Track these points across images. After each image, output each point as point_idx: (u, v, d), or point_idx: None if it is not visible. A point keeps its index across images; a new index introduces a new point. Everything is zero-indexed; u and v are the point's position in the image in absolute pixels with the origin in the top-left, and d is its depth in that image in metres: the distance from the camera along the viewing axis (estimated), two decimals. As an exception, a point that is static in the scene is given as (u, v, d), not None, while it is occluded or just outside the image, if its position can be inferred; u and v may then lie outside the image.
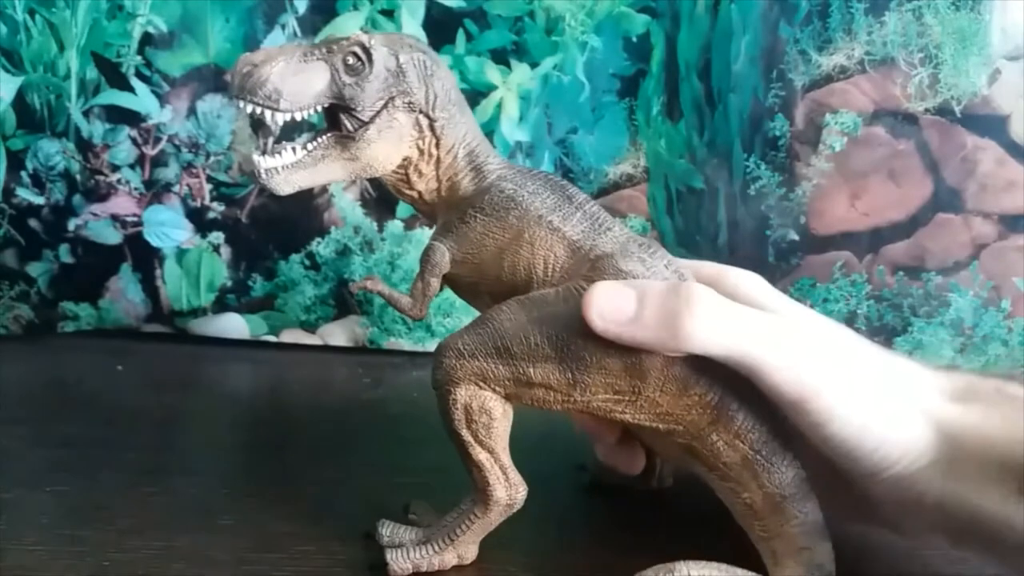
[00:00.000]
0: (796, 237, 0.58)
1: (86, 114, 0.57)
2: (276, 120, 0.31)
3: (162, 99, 0.57)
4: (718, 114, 0.57)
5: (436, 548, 0.32)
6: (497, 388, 0.31)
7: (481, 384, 0.31)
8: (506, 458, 0.32)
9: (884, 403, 0.30)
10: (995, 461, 0.28)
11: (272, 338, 0.61)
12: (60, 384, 0.53)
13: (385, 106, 0.32)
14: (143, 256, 0.60)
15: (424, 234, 0.59)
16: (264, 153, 0.31)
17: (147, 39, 0.56)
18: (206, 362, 0.58)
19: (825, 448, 0.30)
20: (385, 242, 0.59)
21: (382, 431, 0.47)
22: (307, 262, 0.60)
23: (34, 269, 0.59)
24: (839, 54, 0.55)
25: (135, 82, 0.56)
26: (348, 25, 0.56)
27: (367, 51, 0.31)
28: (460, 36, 0.56)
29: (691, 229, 0.58)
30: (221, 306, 0.61)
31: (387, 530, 0.33)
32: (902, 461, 0.29)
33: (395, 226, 0.59)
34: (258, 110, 0.30)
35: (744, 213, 0.58)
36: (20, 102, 0.56)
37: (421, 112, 0.32)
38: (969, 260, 0.58)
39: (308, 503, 0.37)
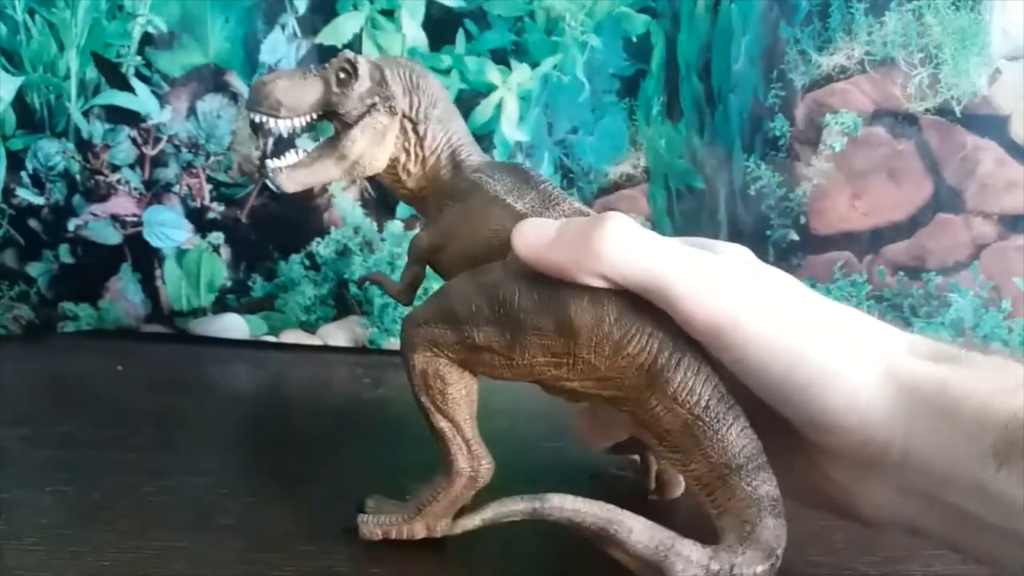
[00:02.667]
0: (796, 237, 0.58)
1: (86, 114, 0.57)
2: (279, 127, 0.35)
3: (162, 99, 0.57)
4: (718, 114, 0.57)
5: (405, 517, 0.34)
6: (449, 354, 0.32)
7: (435, 350, 0.32)
8: (469, 430, 0.33)
9: (820, 338, 0.28)
10: (968, 416, 0.25)
11: (272, 338, 0.61)
12: (60, 384, 0.53)
13: (369, 111, 0.36)
14: (143, 256, 0.60)
15: (424, 234, 0.59)
16: (272, 156, 0.36)
17: (147, 39, 0.56)
18: (206, 362, 0.58)
19: (758, 390, 0.28)
20: (385, 242, 0.59)
21: (382, 431, 0.47)
22: (307, 262, 0.60)
23: (34, 269, 0.59)
24: (839, 54, 0.55)
25: (135, 82, 0.56)
26: (348, 25, 0.56)
27: (353, 65, 0.35)
28: (460, 36, 0.56)
29: (691, 229, 0.58)
30: (221, 306, 0.61)
31: (373, 501, 0.35)
32: (852, 408, 0.27)
33: (395, 226, 0.59)
34: (264, 118, 0.35)
35: (744, 213, 0.58)
36: (20, 102, 0.56)
37: (404, 116, 0.36)
38: (969, 260, 0.58)
39: (308, 503, 0.37)
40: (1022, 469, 0.24)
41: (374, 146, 0.36)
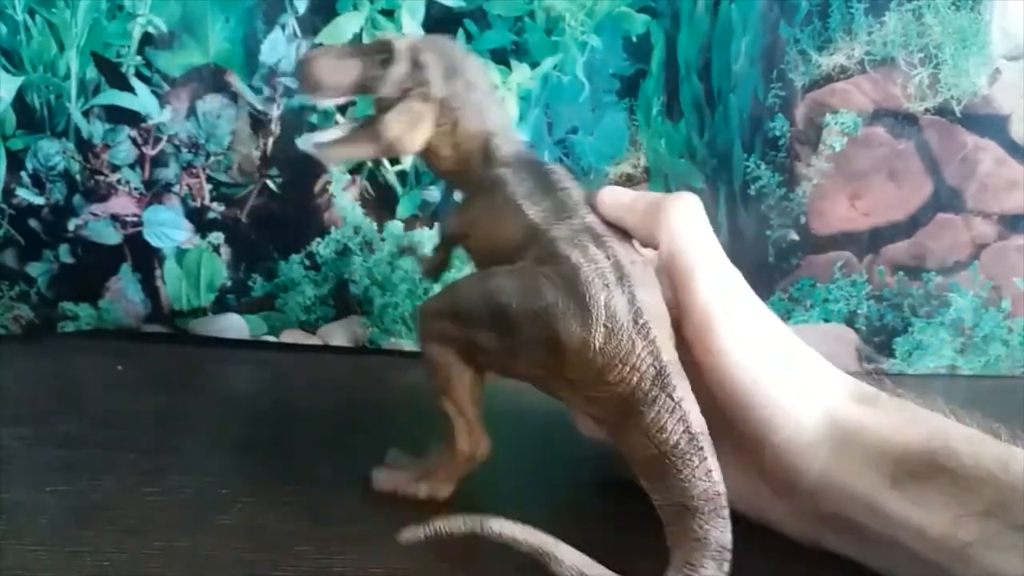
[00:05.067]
0: (796, 237, 0.58)
1: (86, 114, 0.57)
2: (321, 106, 0.38)
3: (162, 99, 0.57)
4: (718, 114, 0.57)
5: (412, 477, 0.37)
6: (454, 348, 0.34)
7: (442, 343, 0.34)
8: (472, 414, 0.35)
9: (784, 370, 0.32)
10: (875, 451, 0.31)
11: (272, 338, 0.61)
12: (60, 384, 0.53)
13: (404, 95, 0.36)
14: (143, 256, 0.60)
15: (423, 234, 0.59)
16: (313, 131, 0.39)
17: (147, 39, 0.56)
18: (206, 362, 0.58)
19: (722, 391, 0.32)
20: (385, 242, 0.59)
21: (382, 431, 0.47)
22: (307, 262, 0.60)
23: (34, 269, 0.59)
24: (839, 54, 0.55)
25: (135, 82, 0.56)
26: (348, 25, 0.56)
27: (391, 49, 0.36)
28: (460, 36, 0.56)
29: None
30: (221, 306, 0.61)
31: (393, 455, 0.39)
32: (790, 429, 0.32)
33: (395, 226, 0.59)
34: (307, 98, 0.38)
35: (744, 213, 0.58)
36: (20, 102, 0.56)
37: (441, 103, 0.37)
38: (969, 260, 0.58)
39: (308, 503, 0.37)
40: (911, 491, 0.29)
41: (409, 130, 0.36)
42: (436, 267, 0.40)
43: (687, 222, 0.34)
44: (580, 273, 0.32)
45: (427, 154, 0.38)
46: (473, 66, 0.37)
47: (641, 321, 0.31)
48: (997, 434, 0.31)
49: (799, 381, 0.33)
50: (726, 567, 0.29)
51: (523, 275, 0.32)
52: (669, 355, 0.31)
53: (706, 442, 0.30)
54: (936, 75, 0.55)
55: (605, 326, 0.31)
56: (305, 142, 0.38)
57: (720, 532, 0.29)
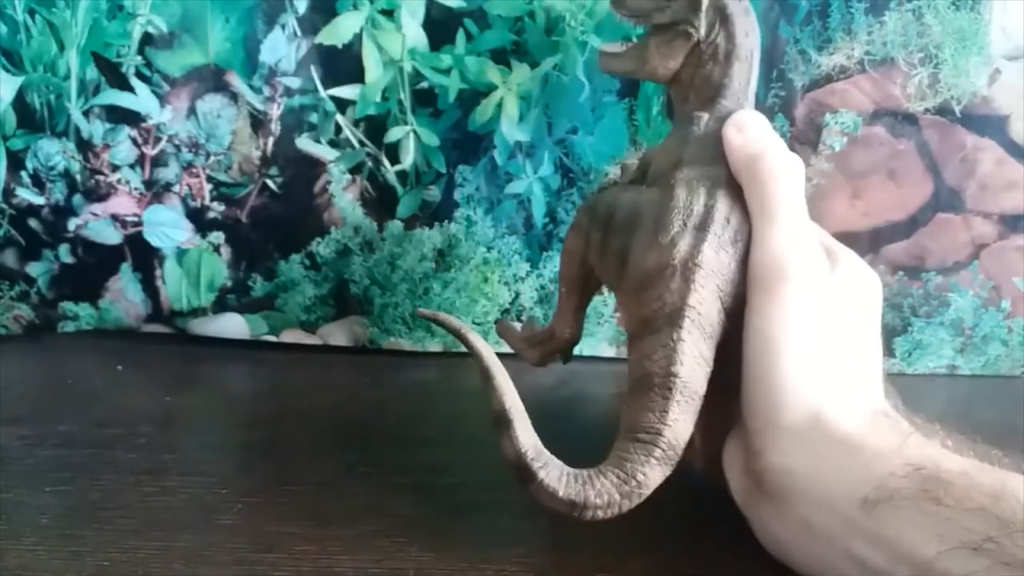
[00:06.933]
0: (796, 237, 0.58)
1: (86, 114, 0.57)
2: (624, 19, 0.42)
3: (162, 99, 0.57)
4: (718, 114, 0.57)
5: (518, 338, 0.43)
6: (580, 238, 0.38)
7: (576, 232, 0.39)
8: (571, 302, 0.40)
9: (807, 359, 0.31)
10: (856, 465, 0.29)
11: (272, 338, 0.61)
12: (60, 384, 0.53)
13: (672, 26, 0.39)
14: (143, 256, 0.60)
15: (424, 235, 0.59)
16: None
17: (147, 39, 0.56)
18: (206, 362, 0.58)
19: (746, 347, 0.32)
20: (385, 242, 0.59)
21: (382, 431, 0.47)
22: (307, 262, 0.60)
23: (34, 269, 0.59)
24: (839, 54, 0.55)
25: (135, 82, 0.56)
26: (348, 25, 0.56)
27: None
28: (460, 36, 0.56)
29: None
30: (221, 306, 0.61)
31: (509, 321, 0.46)
32: (769, 416, 0.31)
33: (395, 226, 0.59)
34: (612, 9, 0.42)
35: (744, 213, 0.58)
36: (20, 102, 0.56)
37: (699, 42, 0.38)
38: (969, 260, 0.58)
39: (308, 503, 0.37)
40: (880, 516, 0.27)
41: (664, 61, 0.40)
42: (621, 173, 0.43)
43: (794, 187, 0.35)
44: (670, 206, 0.35)
45: (673, 80, 0.40)
46: (748, 24, 0.39)
47: (691, 264, 0.33)
48: (937, 434, 0.30)
49: (811, 374, 0.31)
50: (610, 486, 0.31)
51: (640, 195, 0.37)
52: (696, 303, 0.33)
53: (681, 389, 0.32)
54: (936, 75, 0.55)
55: (660, 254, 0.34)
56: (598, 49, 0.44)
57: (643, 475, 0.31)
